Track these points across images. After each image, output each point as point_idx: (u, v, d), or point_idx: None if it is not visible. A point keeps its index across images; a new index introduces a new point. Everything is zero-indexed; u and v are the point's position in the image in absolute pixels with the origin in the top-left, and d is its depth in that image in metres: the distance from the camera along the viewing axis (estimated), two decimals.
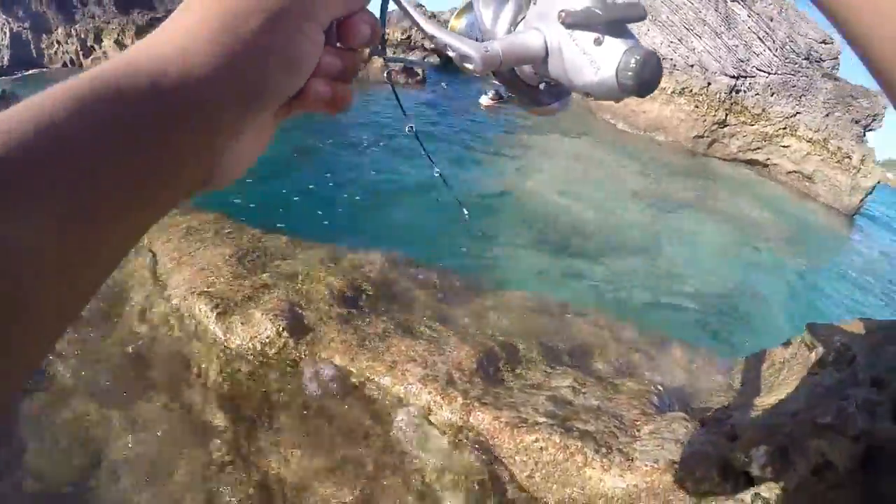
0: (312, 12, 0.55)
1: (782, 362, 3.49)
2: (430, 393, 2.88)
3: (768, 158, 22.67)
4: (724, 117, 21.98)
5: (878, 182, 22.21)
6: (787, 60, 21.65)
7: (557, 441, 2.48)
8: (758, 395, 3.13)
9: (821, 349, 2.94)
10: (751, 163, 23.00)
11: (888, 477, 2.05)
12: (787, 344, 3.64)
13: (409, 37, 39.54)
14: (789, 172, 22.47)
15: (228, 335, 3.23)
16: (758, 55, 21.59)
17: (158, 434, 3.06)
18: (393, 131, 12.75)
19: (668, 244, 10.70)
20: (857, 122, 21.90)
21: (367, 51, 0.67)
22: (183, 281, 3.64)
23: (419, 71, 21.91)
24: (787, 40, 21.45)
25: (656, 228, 11.46)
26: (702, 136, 22.27)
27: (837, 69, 22.66)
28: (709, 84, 21.72)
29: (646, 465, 2.32)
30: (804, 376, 2.89)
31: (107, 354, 3.45)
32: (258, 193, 7.64)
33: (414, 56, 35.64)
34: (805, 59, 21.78)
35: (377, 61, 20.41)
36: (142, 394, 3.24)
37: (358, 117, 14.37)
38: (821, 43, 21.97)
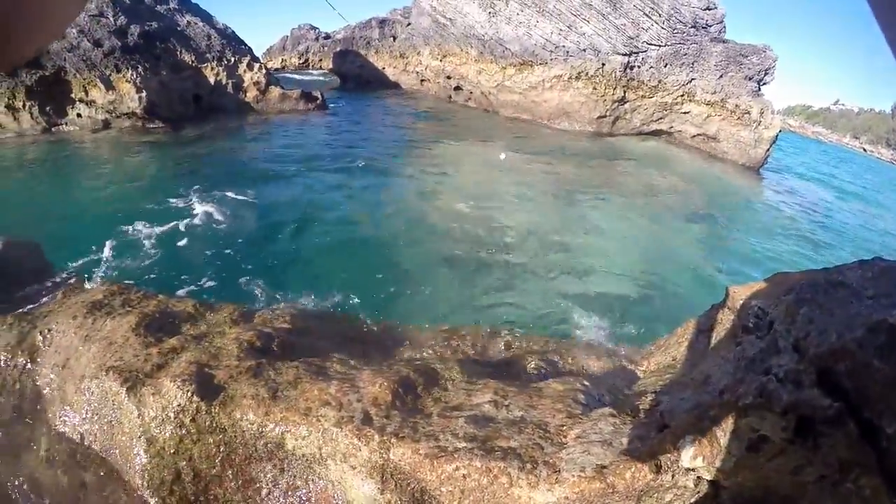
0: None
1: (709, 330, 3.40)
2: (346, 435, 2.65)
3: (671, 126, 23.35)
4: (622, 94, 22.50)
5: (780, 131, 23.12)
6: (675, 31, 22.33)
7: (479, 465, 2.28)
8: (687, 372, 3.01)
9: (742, 314, 2.86)
10: (656, 133, 23.63)
11: (825, 440, 1.95)
12: (710, 311, 3.57)
13: (306, 61, 39.42)
14: (694, 136, 23.19)
15: (143, 409, 2.94)
16: (646, 30, 22.18)
17: None
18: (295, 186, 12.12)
19: (586, 233, 10.70)
20: (749, 78, 22.78)
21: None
22: (92, 358, 3.35)
23: (318, 95, 21.47)
24: (673, 12, 22.12)
25: (572, 220, 11.44)
26: (605, 116, 22.73)
27: (724, 32, 23.52)
28: (603, 65, 22.18)
29: (573, 476, 2.14)
30: (729, 345, 2.79)
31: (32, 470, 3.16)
32: (164, 259, 7.30)
33: (313, 76, 35.30)
34: (692, 27, 22.50)
35: (275, 91, 20.10)
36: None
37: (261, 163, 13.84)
38: (705, 10, 22.76)
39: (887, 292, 2.16)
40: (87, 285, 4.53)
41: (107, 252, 7.21)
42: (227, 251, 7.76)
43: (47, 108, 14.63)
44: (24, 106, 14.33)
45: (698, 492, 2.12)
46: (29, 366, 3.54)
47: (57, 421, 3.27)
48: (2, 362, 3.56)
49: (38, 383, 3.48)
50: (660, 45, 22.34)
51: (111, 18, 16.39)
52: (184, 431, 2.88)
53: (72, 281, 4.68)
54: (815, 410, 1.89)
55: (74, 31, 15.48)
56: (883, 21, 0.51)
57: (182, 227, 8.47)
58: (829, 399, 1.91)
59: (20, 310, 4.03)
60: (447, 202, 11.17)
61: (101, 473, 3.05)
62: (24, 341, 3.65)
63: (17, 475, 3.16)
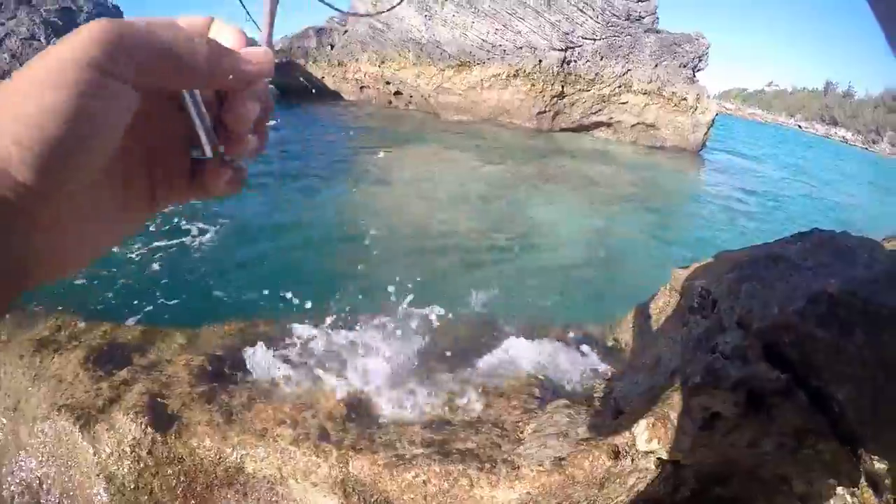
0: (109, 66, 0.42)
1: (658, 313, 3.44)
2: (304, 453, 2.60)
3: (611, 117, 23.72)
4: (560, 89, 22.74)
5: (717, 114, 23.77)
6: (609, 24, 22.70)
7: (437, 470, 2.25)
8: (638, 357, 3.04)
9: (687, 294, 2.90)
10: (596, 125, 23.97)
11: (777, 411, 1.98)
12: (657, 294, 3.62)
13: None
14: (634, 125, 23.62)
15: (98, 446, 2.83)
16: (581, 25, 22.49)
17: None
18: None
19: (531, 229, 10.63)
20: (684, 65, 23.31)
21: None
22: (43, 398, 3.21)
23: None
24: (606, 6, 22.48)
25: (514, 215, 11.38)
26: (544, 112, 22.94)
27: (658, 22, 23.97)
28: (540, 61, 22.40)
29: (532, 471, 2.13)
30: (676, 326, 2.82)
31: None
32: (107, 283, 7.03)
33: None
34: (625, 19, 22.90)
35: None
36: None
37: None
38: (637, 2, 23.18)
39: (825, 262, 2.20)
40: (30, 319, 4.34)
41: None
42: (174, 271, 7.56)
43: None
44: None
45: (660, 473, 2.13)
46: None
47: (14, 467, 3.13)
48: None
49: None
50: (595, 39, 22.68)
51: (43, 41, 15.87)
52: (142, 465, 2.78)
53: (9, 317, 4.49)
54: (764, 383, 1.91)
55: (7, 55, 14.98)
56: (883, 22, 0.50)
57: (124, 249, 8.22)
58: (777, 371, 1.93)
59: None
60: (387, 206, 11.10)
61: None
62: None
63: None
